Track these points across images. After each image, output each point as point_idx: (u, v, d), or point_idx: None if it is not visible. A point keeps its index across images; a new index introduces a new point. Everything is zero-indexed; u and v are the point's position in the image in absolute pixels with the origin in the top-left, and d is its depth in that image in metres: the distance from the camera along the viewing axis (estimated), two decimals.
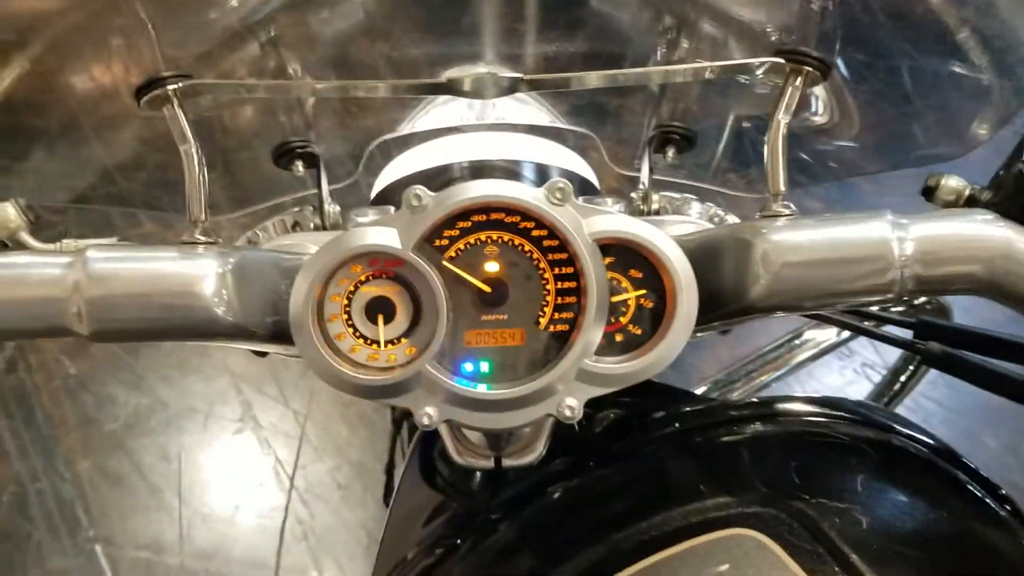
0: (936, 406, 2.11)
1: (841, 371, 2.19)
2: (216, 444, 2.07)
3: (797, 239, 0.50)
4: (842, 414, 0.67)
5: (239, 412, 2.11)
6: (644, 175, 0.71)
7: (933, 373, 1.24)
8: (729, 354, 2.04)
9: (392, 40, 0.68)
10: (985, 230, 0.49)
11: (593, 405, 0.70)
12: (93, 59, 0.60)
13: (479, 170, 0.71)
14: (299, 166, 0.72)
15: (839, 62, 0.59)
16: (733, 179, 0.76)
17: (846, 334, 1.09)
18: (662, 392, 0.76)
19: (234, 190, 0.76)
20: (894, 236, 0.49)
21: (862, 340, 2.19)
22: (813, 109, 0.67)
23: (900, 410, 1.24)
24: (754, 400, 0.69)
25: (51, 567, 1.88)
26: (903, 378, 1.22)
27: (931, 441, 0.66)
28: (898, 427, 0.67)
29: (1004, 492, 0.62)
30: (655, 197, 0.71)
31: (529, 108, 0.76)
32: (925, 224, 0.49)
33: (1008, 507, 0.62)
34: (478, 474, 0.69)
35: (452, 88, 0.59)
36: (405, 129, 0.75)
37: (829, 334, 1.12)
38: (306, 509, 1.96)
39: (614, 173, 0.79)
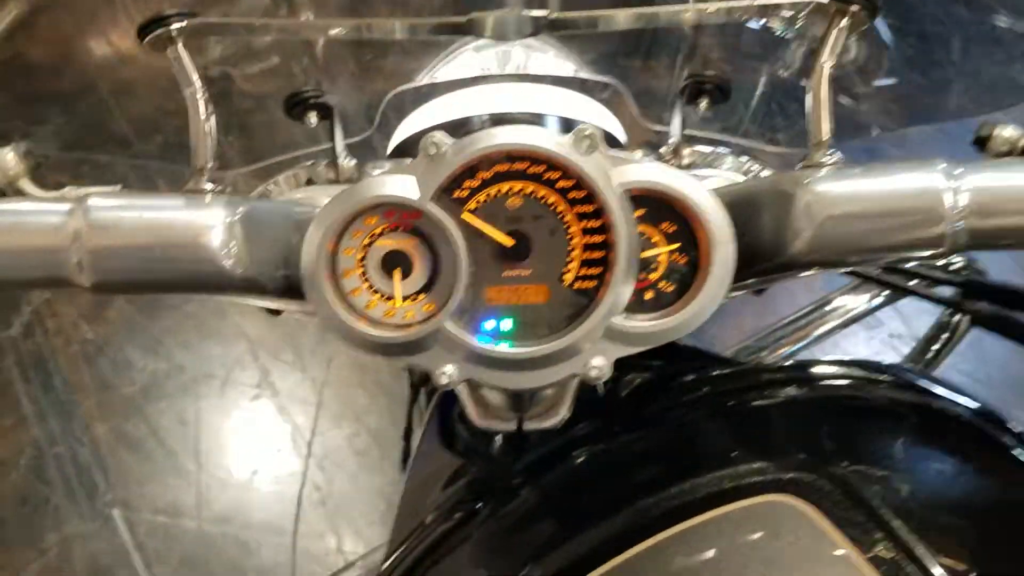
0: (966, 378, 2.08)
1: (868, 342, 2.17)
2: (234, 410, 2.09)
3: (842, 189, 0.48)
4: (880, 377, 0.65)
5: (257, 378, 2.13)
6: (675, 128, 0.68)
7: (962, 344, 1.21)
8: (753, 323, 2.02)
9: None
10: None
11: (619, 367, 0.68)
12: None
13: (501, 123, 0.69)
14: (312, 117, 0.69)
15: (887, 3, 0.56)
16: (769, 133, 0.73)
17: (876, 302, 1.06)
18: (691, 354, 0.74)
19: (244, 144, 0.74)
20: (947, 186, 0.47)
21: (889, 311, 2.17)
22: (855, 55, 0.63)
23: None
24: (787, 363, 0.67)
25: (69, 531, 1.91)
26: (935, 347, 1.19)
27: (974, 404, 0.64)
28: (939, 390, 0.65)
29: None
30: (686, 151, 0.68)
31: (553, 58, 0.73)
32: (980, 174, 0.47)
33: None
34: (498, 438, 0.67)
35: (473, 28, 0.56)
36: (424, 80, 0.72)
37: (859, 301, 1.08)
38: (323, 475, 1.98)
39: (641, 128, 0.76)
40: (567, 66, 0.74)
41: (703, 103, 0.70)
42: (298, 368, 2.13)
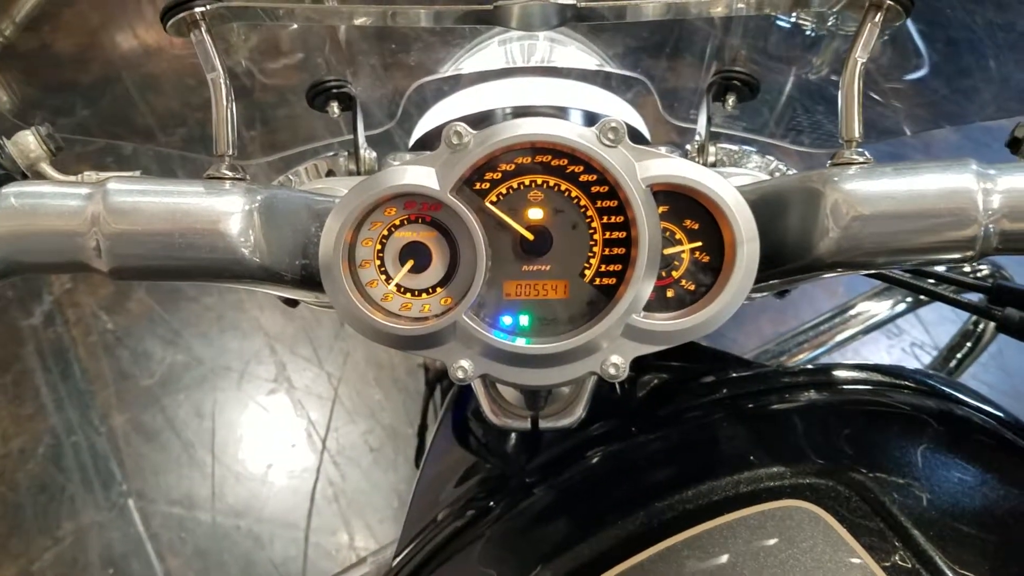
0: (988, 389, 2.06)
1: (889, 350, 2.15)
2: (250, 403, 2.10)
3: (871, 189, 0.47)
4: (903, 382, 0.64)
5: (273, 372, 2.13)
6: (701, 125, 0.67)
7: (984, 355, 1.19)
8: (772, 328, 2.00)
9: None
10: None
11: (636, 367, 0.67)
12: None
13: (523, 115, 0.68)
14: (334, 107, 0.69)
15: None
16: (794, 134, 0.72)
17: (898, 308, 1.05)
18: (710, 356, 0.73)
19: (266, 133, 0.74)
20: (979, 187, 0.46)
21: (910, 319, 2.14)
22: (889, 53, 0.62)
23: None
24: (808, 367, 0.65)
25: (84, 520, 1.92)
26: (959, 355, 1.17)
27: (998, 412, 0.62)
28: (963, 396, 0.63)
29: None
30: (712, 149, 0.68)
31: (578, 52, 0.73)
32: (1013, 175, 0.46)
33: None
34: (513, 436, 0.66)
35: (499, 17, 0.56)
36: (448, 72, 0.72)
37: (881, 307, 1.07)
38: (337, 471, 1.98)
39: (666, 124, 0.75)
40: (592, 60, 0.73)
41: (731, 100, 0.69)
42: (315, 363, 2.13)
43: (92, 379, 2.11)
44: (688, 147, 0.68)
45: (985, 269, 0.99)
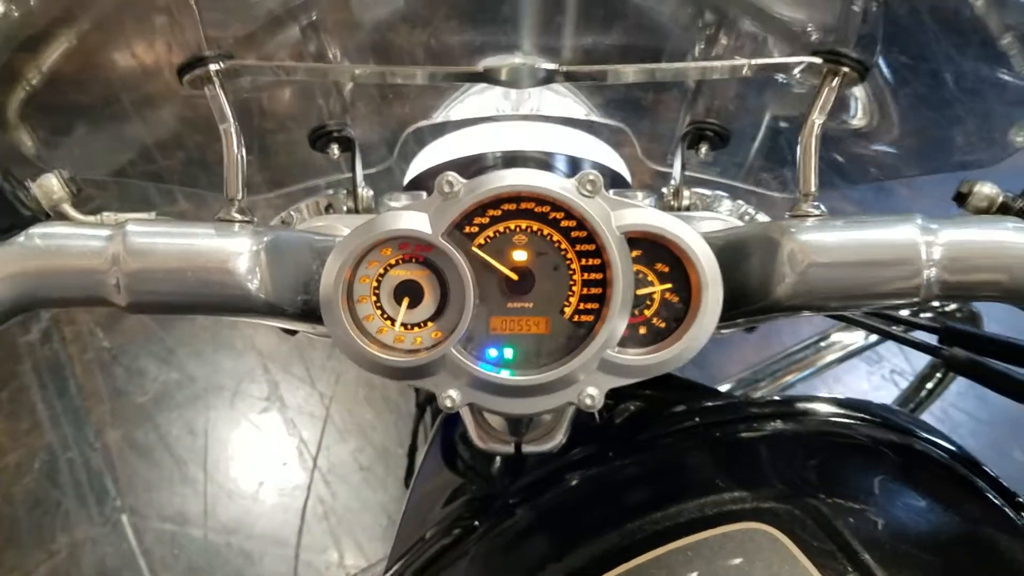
0: (965, 416, 2.09)
1: (869, 376, 2.18)
2: (242, 421, 2.10)
3: (825, 239, 0.50)
4: (863, 416, 0.67)
5: (266, 391, 2.14)
6: (676, 171, 0.71)
7: (963, 383, 1.23)
8: (755, 355, 2.03)
9: (431, 27, 0.69)
10: (1015, 238, 0.48)
11: (614, 396, 0.70)
12: (138, 37, 0.62)
13: (512, 160, 0.72)
14: (335, 149, 0.73)
15: (878, 64, 0.59)
16: (766, 179, 0.76)
17: (874, 338, 1.09)
18: (684, 387, 0.76)
19: (270, 171, 0.77)
20: (922, 240, 0.49)
21: (891, 347, 2.17)
22: (851, 111, 0.66)
23: (927, 418, 1.24)
24: (776, 398, 0.69)
25: (78, 534, 1.92)
26: (930, 385, 1.22)
27: (952, 447, 0.65)
28: (920, 432, 0.66)
29: (1018, 497, 0.62)
30: (686, 193, 0.71)
31: (564, 100, 0.76)
32: (954, 229, 0.49)
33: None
34: (498, 459, 0.69)
35: (488, 77, 0.60)
36: (440, 117, 0.76)
37: (856, 337, 1.11)
38: (328, 489, 1.99)
39: (647, 169, 0.79)
40: (578, 109, 0.77)
41: (704, 148, 0.72)
42: (307, 383, 2.14)
43: (87, 396, 2.11)
44: (665, 190, 0.72)
45: (954, 305, 1.03)
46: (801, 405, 0.68)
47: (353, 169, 0.71)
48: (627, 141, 0.76)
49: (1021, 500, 0.62)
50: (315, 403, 2.10)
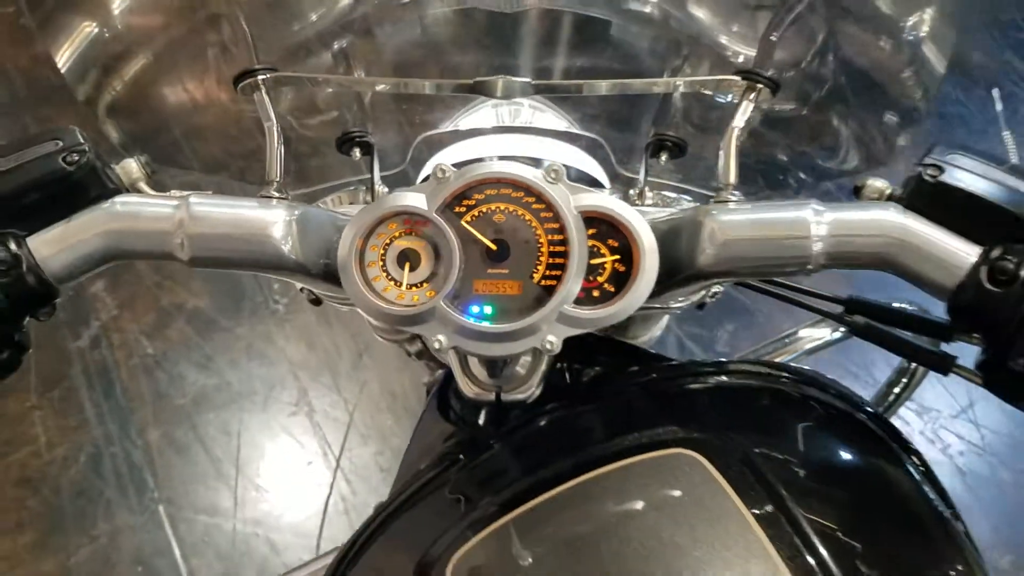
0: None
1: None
2: (272, 424, 2.17)
3: (737, 219, 0.60)
4: (791, 375, 0.75)
5: (295, 397, 2.21)
6: (641, 175, 0.81)
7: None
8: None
9: (440, 52, 0.82)
10: (886, 217, 0.57)
11: (583, 361, 0.81)
12: (201, 56, 0.76)
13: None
14: (356, 152, 0.83)
15: (788, 83, 0.71)
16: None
17: (838, 334, 1.16)
18: (645, 356, 0.86)
19: (301, 170, 0.88)
20: (813, 219, 0.57)
21: (880, 365, 2.17)
22: (769, 122, 0.78)
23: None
24: (720, 359, 0.77)
25: (118, 522, 2.01)
26: (897, 390, 1.29)
27: (861, 403, 0.74)
28: (837, 390, 0.75)
29: (915, 448, 0.72)
30: (649, 194, 0.80)
31: (551, 116, 0.87)
32: (839, 212, 0.58)
33: (916, 459, 0.71)
34: (484, 412, 0.77)
35: (481, 88, 0.71)
36: (447, 128, 0.88)
37: (822, 333, 1.17)
38: (349, 487, 2.06)
39: (621, 176, 0.91)
40: (562, 123, 0.88)
41: (664, 156, 0.83)
42: (333, 391, 2.21)
43: (131, 397, 2.19)
44: (632, 191, 0.81)
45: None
46: (740, 365, 0.76)
47: (372, 170, 0.81)
48: (603, 151, 0.85)
49: (912, 446, 0.73)
50: (340, 409, 2.18)
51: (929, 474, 0.72)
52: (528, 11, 0.76)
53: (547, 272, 0.59)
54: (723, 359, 0.78)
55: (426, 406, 0.87)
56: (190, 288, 2.37)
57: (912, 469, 0.70)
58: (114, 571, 1.94)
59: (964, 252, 0.56)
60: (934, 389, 2.16)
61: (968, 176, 0.57)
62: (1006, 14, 2.76)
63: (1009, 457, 2.08)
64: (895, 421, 0.78)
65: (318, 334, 2.31)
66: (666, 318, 0.99)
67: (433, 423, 0.84)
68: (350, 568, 0.73)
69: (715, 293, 0.80)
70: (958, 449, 2.09)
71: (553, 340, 0.58)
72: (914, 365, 1.27)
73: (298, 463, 2.11)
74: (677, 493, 0.61)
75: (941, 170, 0.57)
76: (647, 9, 0.80)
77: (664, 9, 0.79)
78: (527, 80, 0.71)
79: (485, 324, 0.58)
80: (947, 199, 0.57)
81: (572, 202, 0.58)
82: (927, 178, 0.57)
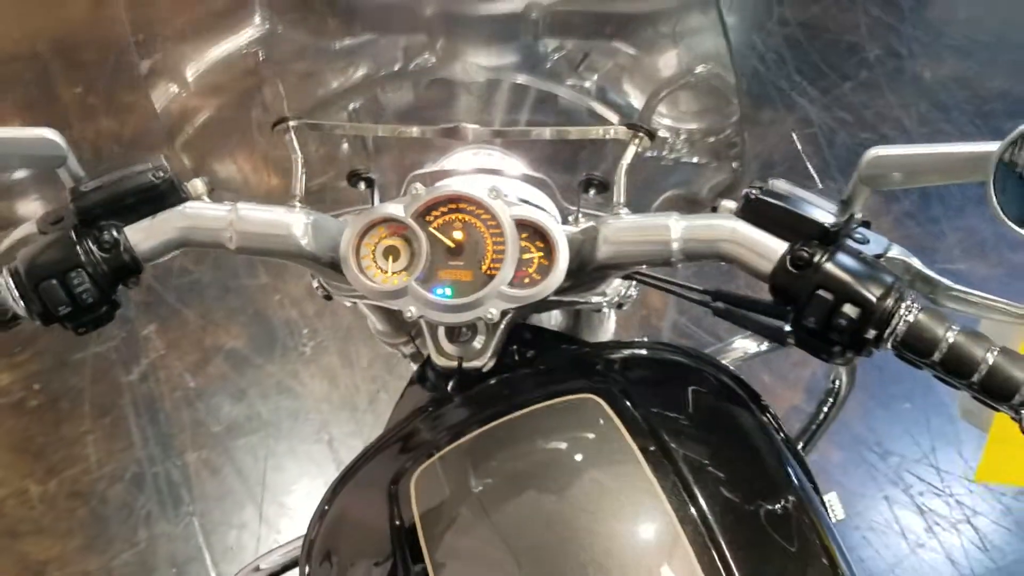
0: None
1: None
2: (296, 450, 2.31)
3: (622, 226, 0.74)
4: (682, 352, 0.91)
5: (317, 427, 2.35)
6: (575, 208, 0.96)
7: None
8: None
9: (427, 108, 1.05)
10: (723, 223, 0.70)
11: (536, 350, 1.00)
12: (250, 108, 1.02)
13: None
14: (361, 185, 0.93)
15: (660, 134, 0.91)
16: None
17: (764, 347, 1.31)
18: (583, 342, 1.03)
19: (317, 198, 1.06)
20: (673, 226, 0.71)
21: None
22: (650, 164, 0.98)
23: None
24: (635, 339, 0.92)
25: (157, 531, 2.15)
26: (825, 408, 1.46)
27: (734, 375, 0.90)
28: (717, 364, 0.90)
29: (767, 405, 0.88)
30: (582, 220, 0.98)
31: (512, 161, 1.00)
32: (691, 220, 0.71)
33: (770, 416, 0.87)
34: (452, 381, 0.87)
35: (453, 133, 0.88)
36: (431, 168, 1.02)
37: (751, 345, 1.34)
38: None
39: (564, 210, 1.11)
40: (521, 166, 1.00)
41: (592, 192, 0.97)
42: (351, 422, 2.36)
43: (173, 425, 2.35)
44: (570, 218, 0.95)
45: None
46: (650, 344, 0.89)
47: (372, 200, 0.93)
48: (551, 188, 0.97)
49: (766, 404, 0.88)
50: (357, 439, 2.31)
51: (777, 424, 0.89)
52: (484, 81, 1.01)
53: (491, 264, 0.73)
54: (636, 339, 0.97)
55: (409, 380, 1.08)
56: (229, 331, 2.56)
57: (768, 421, 0.87)
58: (152, 573, 2.08)
59: (776, 247, 0.69)
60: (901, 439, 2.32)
61: (780, 195, 0.71)
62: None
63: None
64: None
65: (340, 375, 2.47)
66: (612, 323, 1.16)
67: (414, 392, 1.01)
68: (343, 486, 0.93)
69: (628, 296, 0.98)
70: (919, 490, 2.24)
71: (494, 311, 0.73)
72: (838, 382, 1.43)
73: (318, 484, 2.22)
74: (581, 429, 0.73)
75: (762, 191, 0.71)
76: (586, 84, 1.04)
77: (596, 83, 1.03)
78: (487, 128, 0.94)
79: (445, 300, 0.72)
80: (766, 210, 0.70)
81: (508, 213, 0.73)
82: (752, 196, 0.71)
